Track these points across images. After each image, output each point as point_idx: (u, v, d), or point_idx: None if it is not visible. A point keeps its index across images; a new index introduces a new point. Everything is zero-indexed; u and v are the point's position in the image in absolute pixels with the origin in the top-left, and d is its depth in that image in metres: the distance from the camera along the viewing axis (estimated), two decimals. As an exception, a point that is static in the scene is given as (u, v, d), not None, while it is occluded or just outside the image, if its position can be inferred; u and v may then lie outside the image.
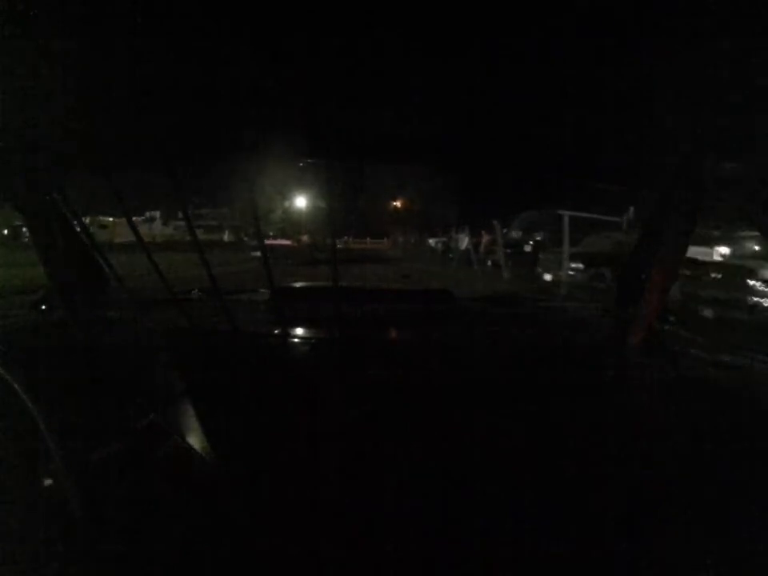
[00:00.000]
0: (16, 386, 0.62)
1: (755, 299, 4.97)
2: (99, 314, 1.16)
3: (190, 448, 0.55)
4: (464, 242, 13.41)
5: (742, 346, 1.06)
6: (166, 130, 0.83)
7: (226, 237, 17.18)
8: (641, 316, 1.04)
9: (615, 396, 0.77)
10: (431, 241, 19.76)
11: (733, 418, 0.68)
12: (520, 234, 12.02)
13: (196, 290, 1.38)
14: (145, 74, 0.63)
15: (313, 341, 1.05)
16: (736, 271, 5.31)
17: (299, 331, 1.05)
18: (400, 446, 0.57)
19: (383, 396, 0.72)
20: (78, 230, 1.19)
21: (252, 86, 0.67)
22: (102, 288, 1.24)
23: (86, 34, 0.54)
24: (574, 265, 6.85)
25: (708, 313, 4.62)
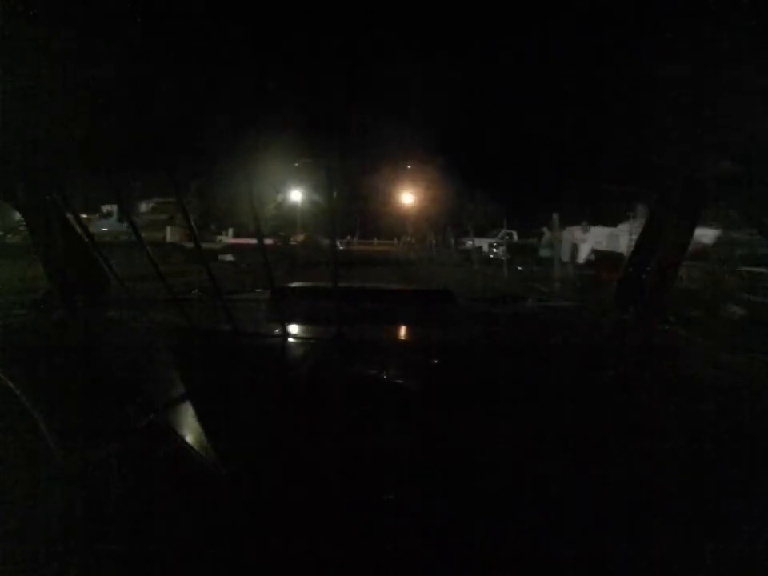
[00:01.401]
0: (16, 386, 0.62)
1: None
2: (99, 314, 1.16)
3: (190, 448, 0.55)
4: (580, 245, 7.18)
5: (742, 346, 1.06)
6: (166, 130, 0.83)
7: (168, 235, 11.85)
8: (641, 316, 1.04)
9: (615, 396, 0.77)
10: (474, 242, 12.69)
11: (733, 418, 0.68)
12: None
13: (196, 290, 1.39)
14: (144, 73, 0.63)
15: (313, 341, 1.05)
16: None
17: (299, 331, 1.05)
18: (400, 446, 0.57)
19: (383, 396, 0.72)
20: (78, 229, 1.19)
21: (252, 86, 0.67)
22: (102, 288, 1.24)
23: (86, 34, 0.54)
24: None
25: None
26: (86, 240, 1.19)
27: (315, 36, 0.54)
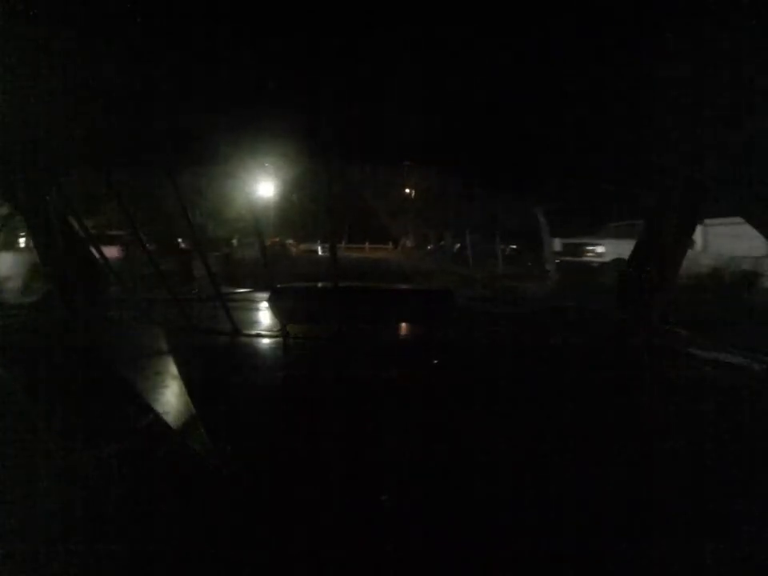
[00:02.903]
0: (16, 386, 0.62)
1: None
2: (99, 314, 1.16)
3: (190, 448, 0.55)
4: None
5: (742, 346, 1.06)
6: (166, 131, 0.83)
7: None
8: (641, 316, 1.04)
9: (615, 396, 0.77)
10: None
11: (733, 418, 0.68)
12: None
13: (196, 290, 1.39)
14: (144, 74, 0.63)
15: (313, 341, 1.05)
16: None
17: (299, 331, 1.05)
18: (400, 446, 0.57)
19: (384, 395, 0.72)
20: (78, 229, 1.19)
21: (252, 86, 0.67)
22: (101, 288, 1.24)
23: (86, 34, 0.54)
24: None
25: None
26: (86, 240, 1.19)
27: (315, 36, 0.54)
